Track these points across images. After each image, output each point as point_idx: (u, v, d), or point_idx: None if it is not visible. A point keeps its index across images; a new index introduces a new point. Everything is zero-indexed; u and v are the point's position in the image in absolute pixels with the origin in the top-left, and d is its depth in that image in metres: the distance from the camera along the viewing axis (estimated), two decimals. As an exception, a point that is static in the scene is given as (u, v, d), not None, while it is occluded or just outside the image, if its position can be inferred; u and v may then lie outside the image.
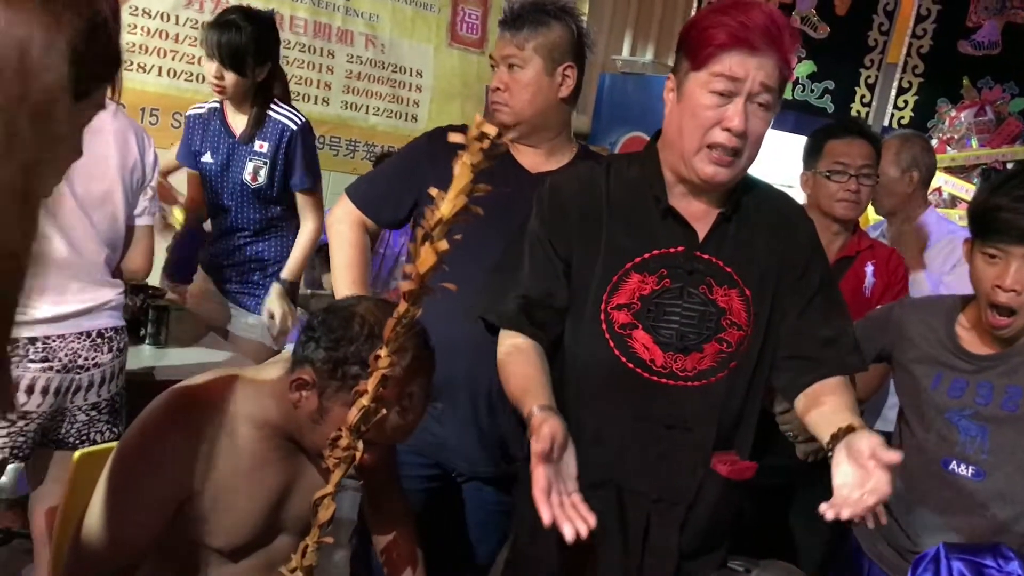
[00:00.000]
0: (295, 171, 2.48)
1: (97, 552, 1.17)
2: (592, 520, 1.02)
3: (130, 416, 1.68)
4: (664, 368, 1.32)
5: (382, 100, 3.94)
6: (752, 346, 1.35)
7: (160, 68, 3.32)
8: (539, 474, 1.02)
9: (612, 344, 1.33)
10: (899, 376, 1.65)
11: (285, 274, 2.52)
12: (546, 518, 1.00)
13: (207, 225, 2.72)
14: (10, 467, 1.97)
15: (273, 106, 2.48)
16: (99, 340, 1.84)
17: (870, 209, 2.43)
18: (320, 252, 2.86)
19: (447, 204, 0.84)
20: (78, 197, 1.76)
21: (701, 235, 1.33)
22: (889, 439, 1.45)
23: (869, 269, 2.10)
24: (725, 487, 1.37)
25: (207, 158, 2.51)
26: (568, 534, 1.00)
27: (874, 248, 2.15)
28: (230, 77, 2.37)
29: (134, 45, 3.22)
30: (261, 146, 2.45)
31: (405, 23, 3.94)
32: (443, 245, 0.86)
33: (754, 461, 1.39)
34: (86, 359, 1.82)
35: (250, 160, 2.46)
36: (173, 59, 3.35)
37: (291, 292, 2.52)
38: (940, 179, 4.11)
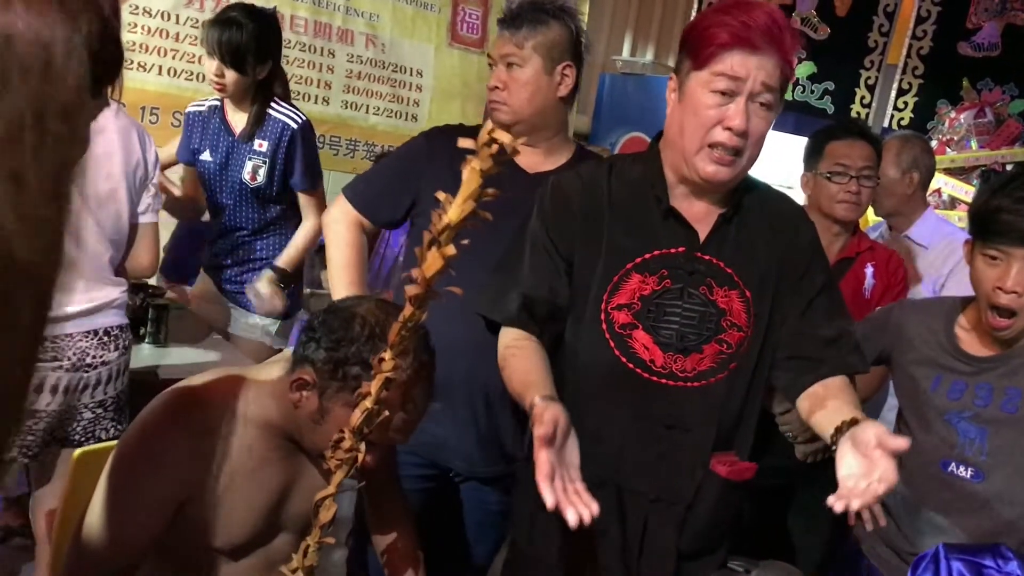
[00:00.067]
0: (295, 170, 2.47)
1: (98, 552, 1.17)
2: (595, 507, 1.01)
3: (131, 415, 1.69)
4: (664, 368, 1.32)
5: (382, 100, 3.93)
6: (752, 347, 1.36)
7: (160, 67, 3.32)
8: (542, 459, 1.01)
9: (612, 344, 1.33)
10: (898, 378, 1.66)
11: (279, 261, 2.50)
12: (549, 502, 0.99)
13: (206, 216, 2.71)
14: (10, 466, 1.97)
15: (273, 105, 2.46)
16: (106, 338, 1.85)
17: (869, 210, 2.43)
18: (320, 251, 2.85)
19: (455, 209, 0.83)
20: (84, 196, 1.76)
21: (702, 236, 1.33)
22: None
23: (869, 270, 2.11)
24: (724, 488, 1.37)
25: (206, 156, 2.50)
26: (571, 519, 0.99)
27: (874, 249, 2.15)
28: (230, 75, 2.36)
29: (134, 44, 3.22)
30: (261, 145, 2.44)
31: (405, 23, 3.94)
32: (451, 250, 0.86)
33: (754, 462, 1.39)
34: (94, 357, 1.83)
35: (249, 159, 2.44)
36: (173, 58, 3.34)
37: (283, 280, 2.49)
38: (939, 180, 4.11)
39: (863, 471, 1.08)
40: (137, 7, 3.21)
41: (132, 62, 3.20)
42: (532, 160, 1.69)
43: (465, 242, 0.85)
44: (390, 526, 1.47)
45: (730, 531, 1.47)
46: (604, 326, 1.33)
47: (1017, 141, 4.58)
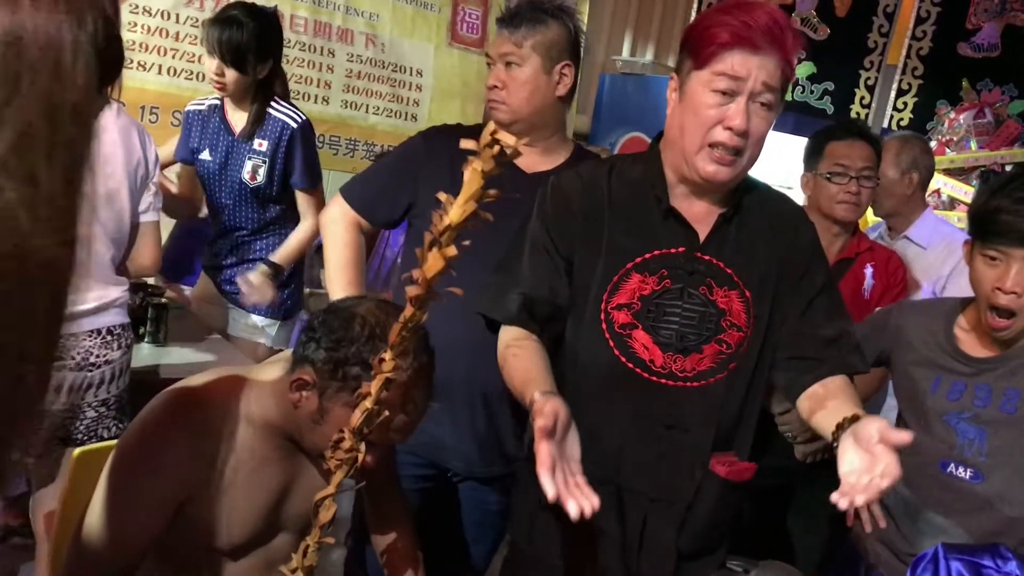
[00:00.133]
0: (295, 170, 2.46)
1: (97, 551, 1.17)
2: (596, 501, 1.00)
3: (131, 414, 1.69)
4: (663, 368, 1.32)
5: (382, 99, 3.93)
6: (752, 347, 1.36)
7: (160, 66, 3.32)
8: (542, 451, 1.00)
9: (612, 344, 1.33)
10: (898, 379, 1.66)
11: (274, 256, 2.48)
12: (550, 494, 0.98)
13: (203, 212, 2.71)
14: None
15: (273, 104, 2.45)
16: (109, 337, 1.86)
17: (869, 211, 2.43)
18: (321, 251, 2.85)
19: (456, 210, 0.83)
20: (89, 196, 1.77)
21: (702, 236, 1.33)
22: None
23: (868, 271, 2.11)
24: (724, 488, 1.37)
25: (205, 155, 2.49)
26: (572, 511, 0.98)
27: (873, 250, 2.15)
28: (231, 74, 2.35)
29: (134, 43, 3.22)
30: (260, 144, 2.43)
31: (405, 22, 3.94)
32: (452, 251, 0.86)
33: (753, 462, 1.39)
34: (98, 356, 1.83)
35: (249, 158, 2.43)
36: (173, 57, 3.34)
37: (275, 275, 2.47)
38: (939, 181, 4.11)
39: (865, 466, 1.07)
40: (137, 6, 3.21)
41: (132, 61, 3.19)
42: (530, 160, 1.69)
43: (466, 243, 0.85)
44: (390, 526, 1.47)
45: (729, 531, 1.47)
46: (604, 326, 1.34)
47: (1016, 142, 4.58)
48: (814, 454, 1.99)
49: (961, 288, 1.55)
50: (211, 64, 2.35)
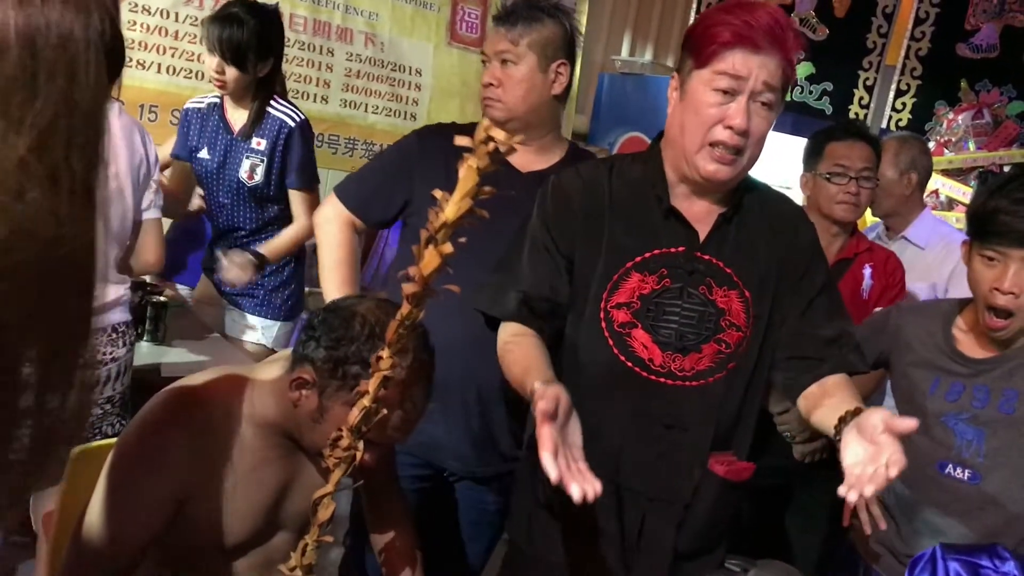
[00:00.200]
0: (290, 169, 2.44)
1: (97, 550, 1.17)
2: (598, 486, 0.99)
3: (133, 412, 1.69)
4: (662, 368, 1.32)
5: (381, 98, 3.93)
6: (751, 347, 1.36)
7: (159, 65, 3.31)
8: (544, 434, 0.99)
9: (611, 343, 1.33)
10: (896, 380, 1.66)
11: (263, 248, 2.45)
12: (553, 476, 0.97)
13: (193, 205, 2.68)
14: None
15: (273, 103, 2.44)
16: (114, 335, 1.87)
17: (867, 211, 2.43)
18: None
19: (452, 207, 0.84)
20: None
21: (702, 236, 1.34)
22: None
23: (867, 271, 2.11)
24: (723, 487, 1.37)
25: (204, 154, 2.48)
26: (575, 494, 0.97)
27: (872, 250, 2.16)
28: (231, 72, 2.33)
29: (133, 42, 3.21)
30: (258, 143, 2.41)
31: (405, 21, 3.93)
32: (447, 248, 0.86)
33: (752, 462, 1.40)
34: (103, 354, 1.84)
35: (247, 157, 2.42)
36: (172, 56, 3.33)
37: (259, 267, 2.42)
38: (937, 182, 4.11)
39: (870, 456, 1.06)
40: (136, 4, 3.21)
41: (131, 60, 3.19)
42: (525, 159, 1.69)
43: (462, 240, 0.85)
44: (389, 526, 1.47)
45: (728, 531, 1.47)
46: (603, 324, 1.34)
47: (1015, 142, 4.58)
48: (812, 454, 2.00)
49: (964, 289, 1.56)
50: (211, 62, 2.34)
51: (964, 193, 4.13)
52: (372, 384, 1.01)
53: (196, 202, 2.61)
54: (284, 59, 2.57)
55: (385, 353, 0.99)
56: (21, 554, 2.31)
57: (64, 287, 0.48)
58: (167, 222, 2.84)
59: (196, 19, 3.27)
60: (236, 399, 1.23)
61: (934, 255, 2.45)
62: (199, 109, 2.52)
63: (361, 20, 3.79)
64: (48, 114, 0.44)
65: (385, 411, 1.07)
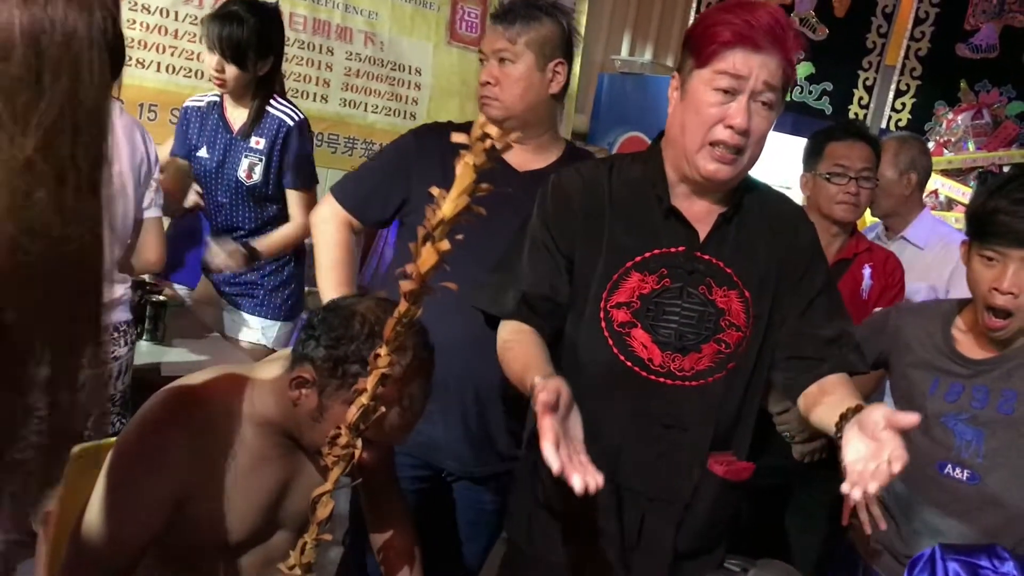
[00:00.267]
0: (287, 168, 2.43)
1: (96, 549, 1.17)
2: (600, 479, 0.98)
3: (133, 411, 1.70)
4: (662, 367, 1.32)
5: (381, 98, 3.93)
6: (751, 347, 1.36)
7: (159, 64, 3.31)
8: (546, 425, 0.98)
9: (611, 342, 1.33)
10: (896, 381, 1.66)
11: (256, 242, 2.43)
12: (555, 467, 0.96)
13: (189, 201, 2.67)
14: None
15: (273, 101, 2.43)
16: (116, 334, 1.87)
17: (866, 211, 2.43)
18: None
19: (449, 204, 0.84)
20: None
21: (702, 236, 1.34)
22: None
23: (866, 271, 2.11)
24: (722, 487, 1.37)
25: (203, 153, 2.47)
26: (577, 485, 0.96)
27: (872, 251, 2.16)
28: (231, 70, 2.32)
29: (133, 41, 3.21)
30: (257, 142, 2.40)
31: (404, 21, 3.93)
32: (445, 245, 0.86)
33: (751, 462, 1.40)
34: (106, 353, 1.83)
35: (246, 156, 2.41)
36: (172, 55, 3.33)
37: (249, 260, 2.40)
38: (936, 182, 4.11)
39: (872, 453, 1.05)
40: (136, 3, 3.20)
41: (130, 59, 3.19)
42: (522, 158, 1.69)
43: (459, 237, 0.86)
44: (388, 525, 1.46)
45: (727, 530, 1.47)
46: (603, 324, 1.34)
47: (1014, 143, 4.58)
48: (812, 454, 2.00)
49: (965, 289, 1.56)
50: (211, 60, 2.33)
51: (963, 193, 4.13)
52: (370, 382, 1.01)
53: (192, 198, 2.59)
54: (284, 58, 2.56)
55: (383, 351, 0.99)
56: (20, 553, 2.30)
57: (72, 285, 0.48)
58: (165, 220, 2.84)
59: (196, 18, 3.27)
60: (236, 398, 1.23)
61: (933, 255, 2.45)
62: (198, 107, 2.52)
63: (361, 19, 3.79)
64: (53, 113, 0.44)
65: (383, 409, 1.07)
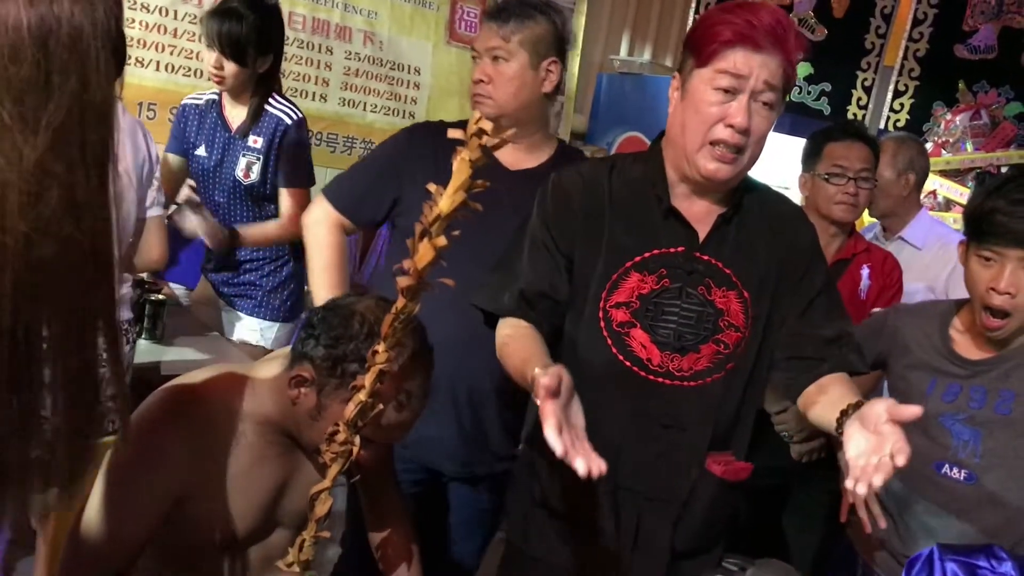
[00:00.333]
0: (281, 167, 2.41)
1: (96, 548, 1.17)
2: (603, 465, 0.98)
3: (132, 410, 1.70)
4: (661, 367, 1.33)
5: (380, 97, 3.93)
6: (750, 348, 1.36)
7: (158, 63, 3.31)
8: (548, 409, 0.98)
9: (610, 342, 1.34)
10: (894, 382, 1.66)
11: (241, 228, 2.40)
12: (559, 450, 0.96)
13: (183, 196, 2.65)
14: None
15: (271, 100, 2.41)
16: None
17: (864, 211, 2.44)
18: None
19: (446, 200, 0.84)
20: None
21: (702, 236, 1.34)
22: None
23: (865, 272, 2.11)
24: (720, 487, 1.38)
25: (201, 151, 2.45)
26: (581, 469, 0.97)
27: (870, 251, 2.16)
28: (230, 67, 2.31)
29: (132, 39, 3.21)
30: (255, 141, 2.39)
31: (404, 20, 3.93)
32: (442, 241, 0.87)
33: (749, 462, 1.40)
34: (122, 349, 1.84)
35: (243, 155, 2.39)
36: (171, 54, 3.33)
37: (228, 241, 2.36)
38: (935, 182, 4.11)
39: (873, 447, 1.04)
40: (135, 2, 3.20)
41: (130, 58, 3.19)
42: (514, 156, 1.69)
43: (456, 233, 0.86)
44: (387, 523, 1.47)
45: (726, 530, 1.47)
46: (602, 324, 1.34)
47: (1012, 143, 4.59)
48: (810, 453, 2.00)
49: (964, 290, 1.56)
50: (210, 57, 2.31)
51: (961, 194, 4.14)
52: (368, 378, 1.01)
53: (185, 192, 2.57)
54: (283, 57, 2.56)
55: (380, 347, 0.99)
56: (21, 553, 2.30)
57: (85, 281, 0.49)
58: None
59: (195, 17, 3.27)
60: (235, 397, 1.23)
61: (931, 256, 2.45)
62: (197, 105, 2.50)
63: (360, 18, 3.79)
64: (62, 113, 0.45)
65: (381, 406, 1.07)
